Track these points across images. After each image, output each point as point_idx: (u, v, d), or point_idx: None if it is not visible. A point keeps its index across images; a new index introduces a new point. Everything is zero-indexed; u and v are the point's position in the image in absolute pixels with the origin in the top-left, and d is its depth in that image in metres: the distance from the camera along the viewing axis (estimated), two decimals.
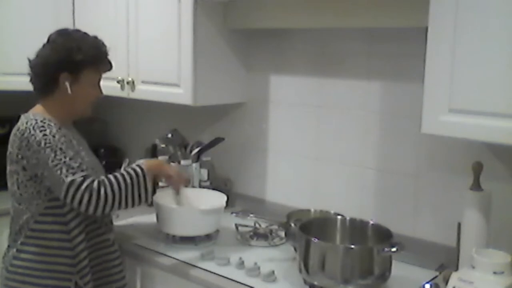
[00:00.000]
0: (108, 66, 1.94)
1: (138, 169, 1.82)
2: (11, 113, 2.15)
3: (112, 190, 1.75)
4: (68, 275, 1.81)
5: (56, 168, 1.71)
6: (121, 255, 2.01)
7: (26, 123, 1.77)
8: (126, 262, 2.13)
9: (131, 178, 1.79)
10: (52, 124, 1.78)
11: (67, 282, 1.80)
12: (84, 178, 1.72)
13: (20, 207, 1.82)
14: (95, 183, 1.73)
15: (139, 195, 1.80)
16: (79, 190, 1.71)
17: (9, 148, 1.83)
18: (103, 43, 1.91)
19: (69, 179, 1.71)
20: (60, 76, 1.82)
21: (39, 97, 1.88)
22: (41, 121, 1.77)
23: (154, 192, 1.87)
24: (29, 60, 1.87)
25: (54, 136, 1.75)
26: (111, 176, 1.79)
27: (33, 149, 1.74)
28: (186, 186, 2.14)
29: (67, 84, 1.82)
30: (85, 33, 1.90)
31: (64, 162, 1.72)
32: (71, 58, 1.82)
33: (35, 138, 1.74)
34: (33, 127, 1.75)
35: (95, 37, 1.90)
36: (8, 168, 1.85)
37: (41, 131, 1.75)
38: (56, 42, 1.84)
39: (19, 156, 1.78)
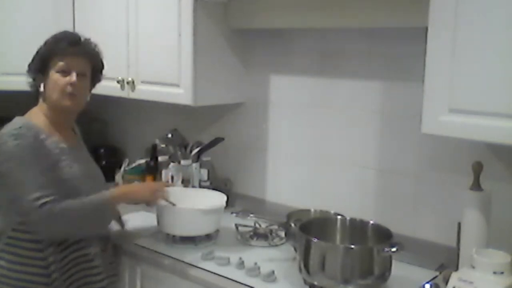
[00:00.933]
0: (67, 48, 1.87)
1: (102, 198, 1.85)
2: (11, 113, 2.15)
3: (69, 216, 1.76)
4: (42, 286, 1.79)
5: (19, 183, 1.73)
6: (105, 270, 1.93)
7: (4, 129, 1.78)
8: (126, 262, 2.14)
9: (92, 205, 1.82)
10: (30, 134, 1.77)
11: None
12: (41, 201, 1.70)
13: (0, 213, 1.82)
14: (51, 207, 1.71)
15: (95, 224, 1.86)
16: (30, 216, 1.72)
17: None
18: (70, 33, 1.95)
19: (25, 200, 1.71)
20: (36, 78, 1.89)
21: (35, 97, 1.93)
22: (19, 128, 1.77)
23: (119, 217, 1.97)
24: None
25: (23, 148, 1.74)
26: (70, 202, 1.77)
27: (3, 157, 1.75)
28: (168, 186, 2.17)
29: (40, 83, 1.87)
30: (72, 33, 1.97)
31: (25, 180, 1.73)
32: (38, 56, 1.88)
33: (6, 146, 1.75)
34: (8, 135, 1.76)
35: (69, 32, 1.97)
36: None
37: (15, 139, 1.75)
38: (54, 35, 1.90)
39: None
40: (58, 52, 1.86)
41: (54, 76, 1.85)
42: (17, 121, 1.81)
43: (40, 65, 1.87)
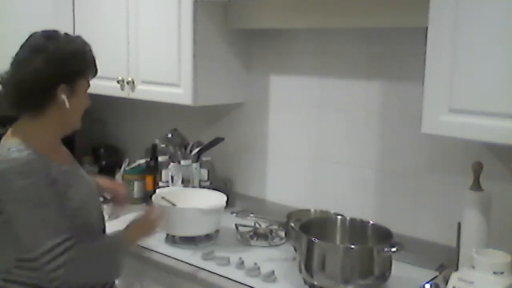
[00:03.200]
0: (95, 72, 1.70)
1: (118, 241, 1.69)
2: (11, 113, 2.14)
3: (90, 264, 1.57)
4: None
5: (32, 228, 1.49)
6: None
7: (5, 162, 1.51)
8: (126, 262, 2.13)
9: (109, 252, 1.64)
10: (39, 169, 1.52)
11: None
12: (65, 245, 1.50)
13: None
14: (74, 253, 1.52)
15: (110, 271, 1.67)
16: (57, 259, 1.49)
17: None
18: (88, 45, 1.68)
19: (49, 244, 1.49)
20: (57, 90, 1.57)
21: (26, 116, 1.61)
22: (25, 164, 1.50)
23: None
24: (8, 72, 1.59)
25: (33, 189, 1.50)
26: (89, 248, 1.59)
27: (8, 197, 1.51)
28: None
29: (64, 97, 1.58)
30: (67, 34, 1.65)
31: (43, 222, 1.50)
32: (68, 68, 1.58)
33: (13, 186, 1.49)
34: (13, 173, 1.49)
35: (80, 38, 1.67)
36: None
37: (22, 178, 1.49)
38: (47, 50, 1.56)
39: None
40: (90, 73, 1.67)
41: (81, 98, 1.64)
42: (13, 150, 1.52)
43: (68, 76, 1.59)
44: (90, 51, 1.67)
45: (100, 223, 1.77)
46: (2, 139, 1.61)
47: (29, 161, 1.51)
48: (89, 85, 1.70)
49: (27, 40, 1.63)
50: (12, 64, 1.60)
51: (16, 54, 1.61)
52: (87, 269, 1.57)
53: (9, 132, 1.62)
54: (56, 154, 1.65)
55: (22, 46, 1.62)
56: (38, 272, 1.53)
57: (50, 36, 1.61)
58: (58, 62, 1.57)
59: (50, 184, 1.53)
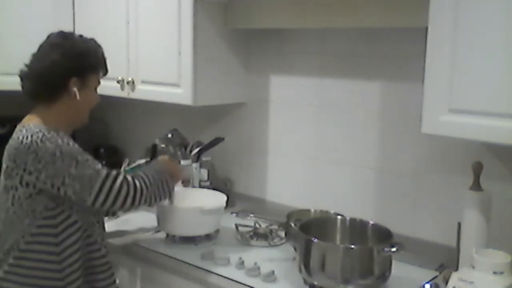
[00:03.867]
0: (106, 71, 1.88)
1: (159, 167, 1.90)
2: (11, 113, 2.15)
3: (141, 189, 1.77)
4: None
5: (82, 171, 1.67)
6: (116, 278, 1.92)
7: (31, 136, 1.66)
8: (126, 262, 2.14)
9: (157, 175, 1.85)
10: (61, 134, 1.70)
11: None
12: (117, 172, 1.74)
13: (12, 225, 1.71)
14: (129, 177, 1.76)
15: (164, 191, 1.86)
16: (116, 182, 1.72)
17: (7, 162, 1.72)
18: (101, 47, 1.86)
19: (104, 172, 1.71)
20: (69, 82, 1.75)
21: (41, 105, 1.77)
22: (48, 133, 1.68)
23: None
24: (28, 66, 1.77)
25: (68, 144, 1.69)
26: (139, 173, 1.83)
27: (44, 161, 1.64)
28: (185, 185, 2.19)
29: (76, 89, 1.75)
30: (81, 35, 1.84)
31: (89, 164, 1.70)
32: (82, 63, 1.77)
33: (47, 150, 1.64)
34: (41, 140, 1.66)
35: (94, 41, 1.85)
36: (2, 182, 1.74)
37: (51, 142, 1.66)
38: (63, 46, 1.75)
39: (25, 171, 1.66)
40: (101, 71, 1.85)
41: (92, 93, 1.83)
42: (35, 128, 1.69)
43: (81, 71, 1.77)
44: (103, 52, 1.86)
45: None
46: (18, 125, 1.77)
47: (52, 132, 1.69)
48: (99, 83, 1.86)
49: (46, 39, 1.81)
50: (32, 59, 1.78)
51: (36, 52, 1.79)
52: (143, 185, 1.78)
53: (24, 119, 1.78)
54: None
55: (41, 45, 1.80)
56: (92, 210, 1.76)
57: (67, 35, 1.81)
58: (73, 56, 1.75)
59: (70, 143, 1.71)
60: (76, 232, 1.75)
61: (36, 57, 1.78)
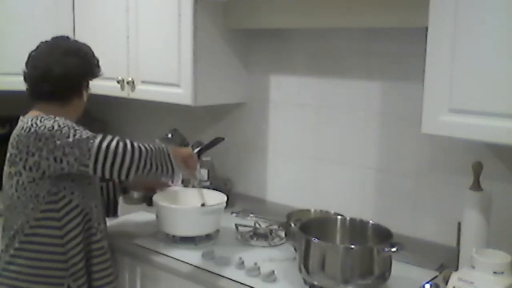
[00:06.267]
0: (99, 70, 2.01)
1: (164, 147, 1.90)
2: (11, 113, 2.15)
3: (140, 148, 1.80)
4: (61, 280, 1.81)
5: (80, 136, 1.73)
6: (113, 264, 2.00)
7: (31, 120, 1.77)
8: (126, 262, 2.14)
9: (160, 148, 1.87)
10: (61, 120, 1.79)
11: (59, 287, 1.81)
12: (115, 135, 1.79)
13: (16, 210, 1.80)
14: (128, 139, 1.80)
15: (162, 163, 1.84)
16: (113, 140, 1.76)
17: (10, 150, 1.81)
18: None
19: (101, 135, 1.77)
20: (83, 84, 1.92)
21: (51, 105, 1.86)
22: (46, 115, 1.79)
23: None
24: (50, 70, 1.84)
25: (65, 120, 1.78)
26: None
27: (45, 137, 1.73)
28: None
29: (85, 91, 1.93)
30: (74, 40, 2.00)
31: (86, 131, 1.77)
32: (92, 66, 1.93)
33: (45, 126, 1.74)
34: (40, 120, 1.76)
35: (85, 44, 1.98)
36: (7, 170, 1.83)
37: (49, 120, 1.76)
38: (81, 50, 1.91)
39: (28, 154, 1.74)
40: (95, 75, 1.96)
41: (87, 94, 1.96)
42: (34, 116, 1.80)
43: (91, 76, 1.94)
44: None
45: None
46: (21, 117, 1.86)
47: (54, 118, 1.78)
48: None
49: (55, 43, 1.91)
50: (39, 62, 1.86)
51: (40, 54, 1.88)
52: (143, 153, 1.80)
53: (27, 114, 1.85)
54: None
55: (52, 49, 1.89)
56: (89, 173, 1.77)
57: (73, 40, 1.96)
58: (88, 60, 1.92)
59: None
60: (77, 216, 1.83)
61: (52, 60, 1.85)
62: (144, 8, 2.45)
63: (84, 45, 1.96)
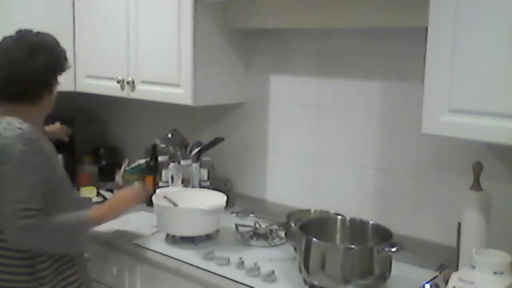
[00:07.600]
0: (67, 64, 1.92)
1: (82, 218, 1.80)
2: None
3: (49, 235, 1.71)
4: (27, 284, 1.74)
5: (9, 188, 1.66)
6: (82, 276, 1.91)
7: (12, 130, 1.71)
8: (126, 262, 2.14)
9: (69, 227, 1.76)
10: (37, 141, 1.74)
11: None
12: (32, 212, 1.66)
13: None
14: (37, 221, 1.67)
15: (68, 244, 1.79)
16: (22, 221, 1.65)
17: None
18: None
19: (11, 206, 1.65)
20: (53, 80, 1.85)
21: (23, 104, 1.79)
22: (27, 133, 1.72)
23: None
24: (17, 71, 1.76)
25: (28, 155, 1.69)
26: (56, 221, 1.73)
27: (6, 159, 1.68)
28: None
29: (55, 87, 1.86)
30: (38, 31, 1.87)
31: (19, 187, 1.66)
32: (60, 60, 1.86)
33: (13, 149, 1.68)
34: (18, 138, 1.70)
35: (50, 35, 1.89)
36: None
37: (23, 144, 1.69)
38: (47, 45, 1.82)
39: None
40: (64, 69, 1.89)
41: (55, 91, 1.88)
42: (19, 124, 1.73)
43: (60, 70, 1.86)
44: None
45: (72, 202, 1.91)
46: None
47: (30, 131, 1.74)
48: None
49: (17, 40, 1.81)
50: (4, 62, 1.77)
51: (4, 52, 1.79)
52: (45, 238, 1.71)
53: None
54: (40, 130, 1.87)
55: (15, 48, 1.78)
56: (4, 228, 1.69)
57: (39, 34, 1.84)
58: (59, 57, 1.85)
59: (42, 152, 1.75)
60: None
61: (18, 59, 1.76)
62: (144, 8, 2.45)
63: (50, 36, 1.86)
